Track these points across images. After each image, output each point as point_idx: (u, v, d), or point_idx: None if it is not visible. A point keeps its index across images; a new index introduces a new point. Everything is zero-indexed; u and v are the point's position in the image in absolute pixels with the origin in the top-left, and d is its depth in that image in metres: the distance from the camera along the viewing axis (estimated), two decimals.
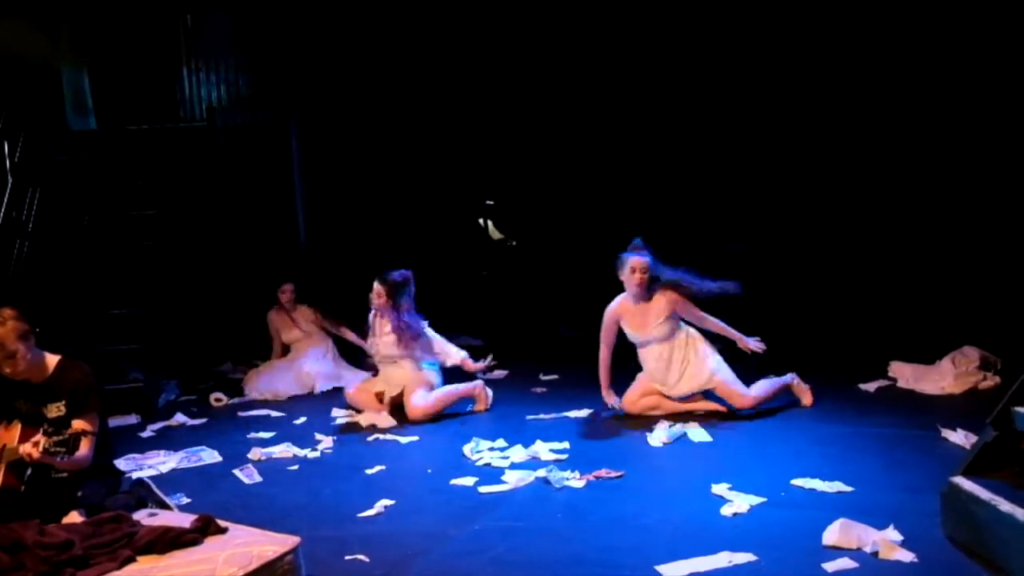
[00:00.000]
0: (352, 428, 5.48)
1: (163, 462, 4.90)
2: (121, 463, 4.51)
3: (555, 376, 6.42)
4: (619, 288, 6.27)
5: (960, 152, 6.80)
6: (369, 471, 4.57)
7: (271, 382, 6.45)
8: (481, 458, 4.64)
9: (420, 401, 5.48)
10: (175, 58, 8.41)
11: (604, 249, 7.62)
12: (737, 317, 6.28)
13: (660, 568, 3.22)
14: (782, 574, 3.16)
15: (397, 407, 5.57)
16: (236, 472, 4.67)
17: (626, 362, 5.59)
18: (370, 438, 5.17)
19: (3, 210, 6.34)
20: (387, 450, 4.95)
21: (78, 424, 3.28)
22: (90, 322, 6.44)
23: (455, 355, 5.73)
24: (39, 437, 3.15)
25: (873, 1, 6.97)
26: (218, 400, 6.30)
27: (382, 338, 5.66)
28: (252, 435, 5.35)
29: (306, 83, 8.12)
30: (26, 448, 3.15)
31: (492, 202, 8.67)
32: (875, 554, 3.22)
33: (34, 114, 7.04)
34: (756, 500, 3.81)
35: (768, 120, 7.24)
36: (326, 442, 5.13)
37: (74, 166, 7.37)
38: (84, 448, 3.31)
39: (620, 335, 5.32)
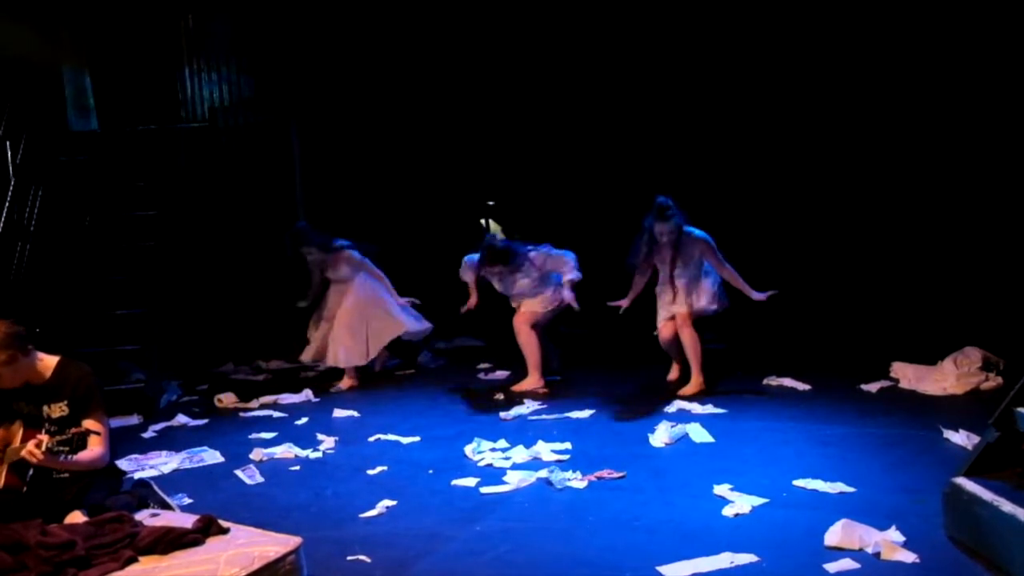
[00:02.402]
0: (354, 428, 5.49)
1: (165, 462, 4.90)
2: (123, 463, 4.51)
3: (557, 377, 6.42)
4: (618, 287, 6.30)
5: (961, 152, 6.79)
6: (371, 472, 4.58)
7: None
8: (483, 459, 4.64)
9: None
10: (177, 59, 8.40)
11: (605, 249, 7.64)
12: (738, 316, 6.30)
13: (662, 569, 3.23)
14: (784, 575, 3.16)
15: None
16: (238, 472, 4.67)
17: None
18: (372, 439, 5.18)
19: (5, 211, 6.34)
20: (389, 451, 4.95)
21: (87, 424, 3.28)
22: (92, 323, 6.44)
23: None
24: (42, 436, 3.15)
25: (873, 1, 6.97)
26: (220, 401, 6.29)
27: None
28: (254, 435, 5.35)
29: (308, 84, 8.11)
30: (29, 448, 3.15)
31: (493, 202, 8.66)
32: (877, 555, 3.23)
33: (36, 115, 7.03)
34: (758, 501, 3.81)
35: (767, 120, 7.23)
36: (328, 442, 5.13)
37: (76, 167, 7.36)
38: (98, 447, 3.31)
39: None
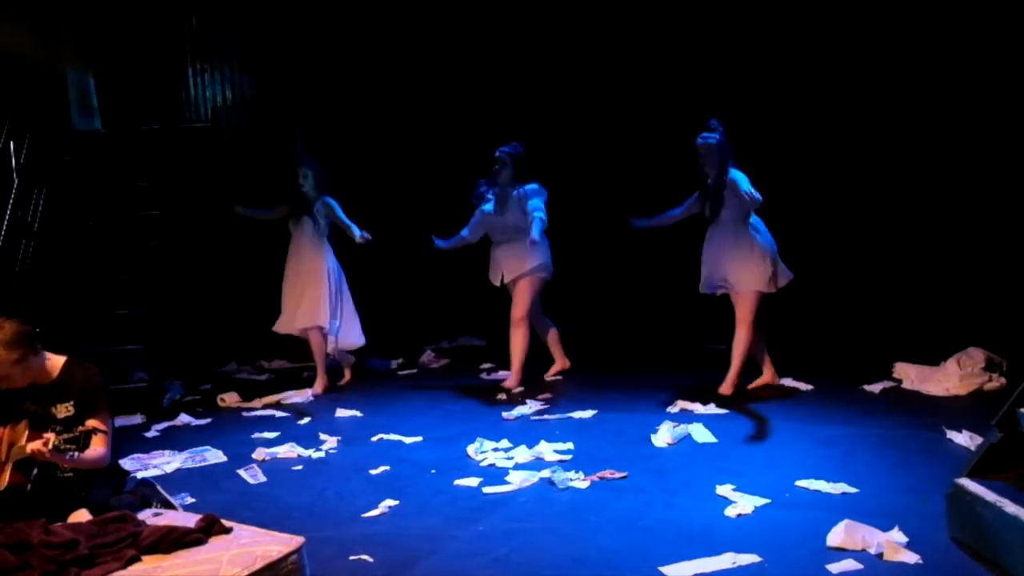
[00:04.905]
0: (356, 428, 5.49)
1: (168, 462, 4.90)
2: (126, 463, 4.51)
3: (558, 377, 6.43)
4: (619, 288, 6.30)
5: (965, 152, 6.77)
6: (373, 471, 4.58)
7: None
8: (485, 459, 4.65)
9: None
10: (180, 59, 8.41)
11: (608, 249, 7.63)
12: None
13: (664, 569, 3.23)
14: (786, 575, 3.16)
15: None
16: (240, 472, 4.68)
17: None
18: (374, 438, 5.18)
19: (9, 210, 6.36)
20: (391, 450, 4.96)
21: (91, 423, 3.29)
22: (95, 322, 6.45)
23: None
24: (49, 435, 3.16)
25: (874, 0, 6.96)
26: (222, 400, 6.30)
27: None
28: (256, 435, 5.36)
29: (311, 84, 8.12)
30: (35, 446, 3.15)
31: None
32: (880, 555, 3.22)
33: (40, 115, 7.05)
34: (760, 501, 3.81)
35: (768, 118, 7.20)
36: (330, 442, 5.13)
37: (79, 167, 7.37)
38: (100, 447, 3.31)
39: None
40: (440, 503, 4.08)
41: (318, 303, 6.21)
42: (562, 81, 7.83)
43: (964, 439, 4.43)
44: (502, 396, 5.95)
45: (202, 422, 5.82)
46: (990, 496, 3.11)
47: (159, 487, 3.64)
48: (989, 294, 6.44)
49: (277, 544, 2.95)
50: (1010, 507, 3.01)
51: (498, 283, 6.09)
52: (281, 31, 8.16)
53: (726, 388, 5.58)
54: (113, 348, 6.25)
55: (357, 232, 6.01)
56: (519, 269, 5.94)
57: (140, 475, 4.11)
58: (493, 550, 3.50)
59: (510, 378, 6.15)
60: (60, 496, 3.29)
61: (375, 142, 8.15)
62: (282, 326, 6.37)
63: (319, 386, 6.39)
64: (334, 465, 4.78)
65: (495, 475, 4.39)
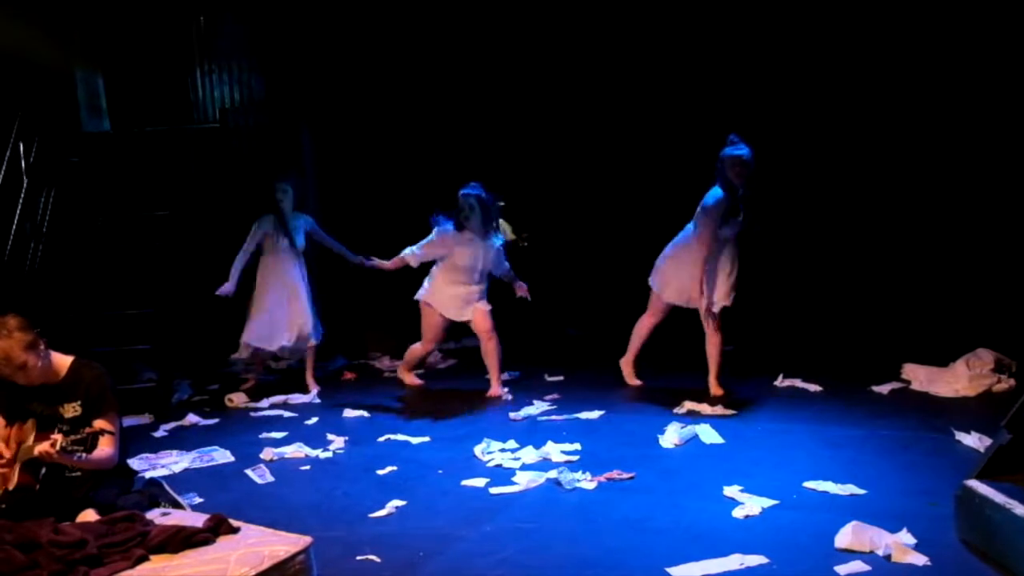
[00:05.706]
0: (363, 428, 5.50)
1: (176, 462, 4.92)
2: (134, 463, 4.52)
3: (560, 377, 6.43)
4: (627, 288, 6.28)
5: (974, 153, 6.75)
6: (380, 472, 4.58)
7: None
8: (492, 459, 4.65)
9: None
10: (188, 60, 8.43)
11: (613, 249, 7.63)
12: (747, 317, 6.29)
13: (671, 570, 3.22)
14: None
15: None
16: (248, 472, 4.69)
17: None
18: (381, 439, 5.19)
19: (18, 211, 6.39)
20: (398, 451, 4.96)
21: (99, 424, 3.30)
22: (103, 322, 6.47)
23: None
24: (56, 436, 3.17)
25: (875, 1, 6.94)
26: (230, 401, 6.31)
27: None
28: (264, 435, 5.37)
29: (319, 85, 8.13)
30: (43, 447, 3.16)
31: (503, 203, 8.66)
32: (888, 557, 3.22)
33: (49, 116, 7.08)
34: (768, 502, 3.80)
35: (775, 116, 7.18)
36: (338, 442, 5.14)
37: (88, 167, 7.40)
38: (108, 447, 3.32)
39: None
40: (447, 504, 4.09)
41: (308, 313, 6.46)
42: (569, 83, 7.83)
43: (973, 441, 4.42)
44: (508, 397, 5.94)
45: (210, 422, 5.83)
46: (999, 498, 3.10)
47: (167, 487, 3.66)
48: (998, 295, 6.42)
49: (284, 544, 2.96)
50: (1019, 509, 3.00)
51: (461, 319, 6.09)
52: (289, 32, 8.16)
53: (714, 389, 5.66)
54: (121, 348, 6.26)
55: (366, 260, 6.41)
56: (485, 308, 6.07)
57: (148, 475, 4.12)
58: (500, 551, 3.50)
59: (493, 387, 6.05)
60: (68, 496, 3.31)
61: (383, 143, 8.15)
62: (262, 340, 6.44)
63: (314, 386, 6.45)
64: (341, 465, 4.78)
65: (502, 476, 4.39)
